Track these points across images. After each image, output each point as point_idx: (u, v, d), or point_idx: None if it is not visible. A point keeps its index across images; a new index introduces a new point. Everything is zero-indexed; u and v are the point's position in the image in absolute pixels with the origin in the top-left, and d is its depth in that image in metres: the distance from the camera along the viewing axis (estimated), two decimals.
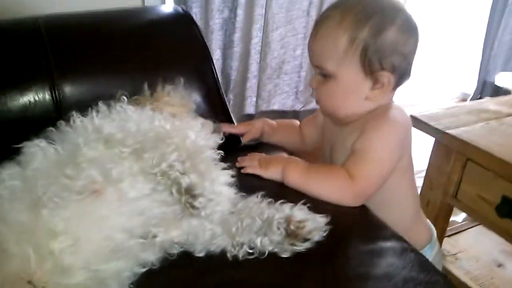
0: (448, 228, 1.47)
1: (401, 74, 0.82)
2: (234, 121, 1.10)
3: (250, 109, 2.22)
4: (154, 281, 0.63)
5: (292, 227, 0.67)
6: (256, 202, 0.72)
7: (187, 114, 0.92)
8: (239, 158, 0.89)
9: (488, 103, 1.41)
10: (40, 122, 0.71)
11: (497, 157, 1.07)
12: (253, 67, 2.12)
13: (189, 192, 0.65)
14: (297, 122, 1.10)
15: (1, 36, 0.89)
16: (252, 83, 2.15)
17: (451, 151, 1.22)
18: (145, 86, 0.89)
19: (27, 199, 0.61)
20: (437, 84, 2.90)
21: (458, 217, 1.57)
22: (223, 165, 0.71)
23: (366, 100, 0.82)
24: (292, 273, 0.64)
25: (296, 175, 0.81)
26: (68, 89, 0.87)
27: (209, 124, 0.90)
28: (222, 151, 0.75)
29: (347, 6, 0.79)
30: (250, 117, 2.23)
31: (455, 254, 1.40)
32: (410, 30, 0.80)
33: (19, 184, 0.62)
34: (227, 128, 0.99)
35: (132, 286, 0.62)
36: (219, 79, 2.00)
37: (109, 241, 0.63)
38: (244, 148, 0.97)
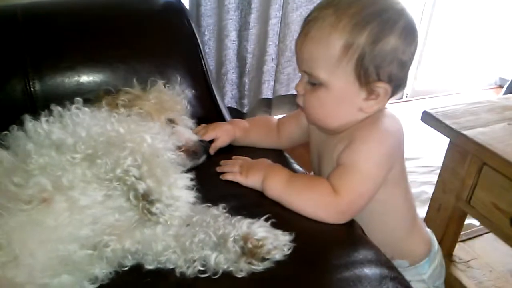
0: (463, 232, 1.37)
1: (398, 84, 0.74)
2: (227, 115, 1.04)
3: (267, 93, 2.14)
4: None
5: (249, 245, 0.61)
6: (214, 216, 0.66)
7: (178, 112, 0.87)
8: (221, 162, 0.83)
9: None
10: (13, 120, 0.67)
11: None
12: (271, 49, 2.02)
13: (146, 198, 0.61)
14: (274, 120, 1.01)
15: None
16: (269, 66, 2.06)
17: (467, 153, 1.12)
18: (135, 81, 0.85)
19: None
20: (474, 69, 2.71)
21: (475, 220, 1.46)
22: (182, 168, 0.66)
23: (359, 111, 0.75)
24: None
25: (276, 187, 0.75)
26: (44, 85, 0.83)
27: (197, 147, 0.86)
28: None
29: (343, 4, 0.69)
30: (267, 101, 2.15)
31: (468, 261, 1.30)
32: (411, 35, 0.72)
33: None
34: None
35: None
36: (235, 62, 1.97)
37: (56, 253, 0.59)
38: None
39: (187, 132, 0.88)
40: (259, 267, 0.61)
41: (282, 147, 0.98)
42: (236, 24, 1.90)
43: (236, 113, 2.09)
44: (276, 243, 0.63)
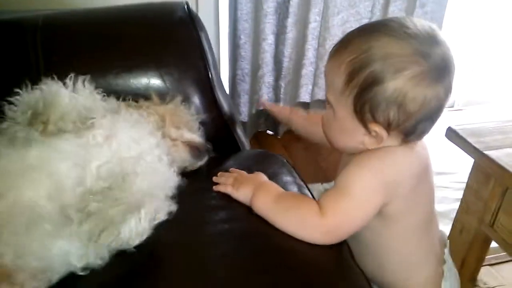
0: (492, 256, 1.30)
1: (406, 133, 0.71)
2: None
3: (305, 97, 2.13)
4: None
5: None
6: None
7: (187, 127, 0.91)
8: (219, 174, 0.85)
9: None
10: None
11: None
12: (310, 53, 2.01)
13: None
14: None
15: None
16: (308, 70, 2.05)
17: (490, 175, 1.05)
18: (153, 94, 0.92)
19: None
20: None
21: None
22: None
23: (361, 144, 0.74)
24: None
25: (263, 204, 0.75)
26: None
27: (201, 146, 0.89)
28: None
29: (365, 38, 0.69)
30: (304, 105, 2.14)
31: (494, 287, 1.23)
32: (427, 82, 0.66)
33: None
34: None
35: None
36: (272, 65, 1.98)
37: None
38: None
39: (194, 135, 0.91)
40: None
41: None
42: (273, 27, 1.91)
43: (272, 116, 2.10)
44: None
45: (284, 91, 2.03)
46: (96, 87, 0.86)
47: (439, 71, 0.67)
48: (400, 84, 0.66)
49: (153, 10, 1.01)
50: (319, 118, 0.99)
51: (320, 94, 2.15)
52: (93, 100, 0.78)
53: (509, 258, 1.32)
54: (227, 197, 0.79)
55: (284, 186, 0.82)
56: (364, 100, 0.68)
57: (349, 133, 0.74)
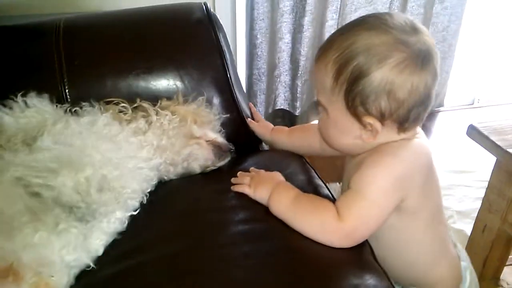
0: None
1: (400, 121, 0.72)
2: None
3: None
4: None
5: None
6: None
7: (209, 127, 0.92)
8: (238, 173, 0.85)
9: None
10: None
11: None
12: None
13: None
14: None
15: (22, 36, 0.94)
16: None
17: None
18: (179, 93, 0.92)
19: None
20: None
21: None
22: None
23: (359, 139, 0.74)
24: None
25: (281, 205, 0.75)
26: (78, 91, 0.90)
27: (224, 145, 0.91)
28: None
29: (346, 35, 0.71)
30: None
31: None
32: (411, 69, 0.68)
33: None
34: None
35: None
36: (288, 64, 1.98)
37: None
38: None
39: (217, 134, 0.93)
40: None
41: (325, 155, 0.97)
42: (290, 26, 1.90)
43: (289, 116, 2.10)
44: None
45: (301, 90, 2.03)
46: (117, 89, 0.88)
47: (422, 58, 0.69)
48: (385, 73, 0.67)
49: (172, 12, 1.02)
50: (301, 131, 1.01)
51: None
52: (39, 116, 0.80)
53: None
54: (246, 196, 0.80)
55: (302, 185, 0.82)
56: (354, 94, 0.69)
57: (346, 130, 0.75)
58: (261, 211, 0.76)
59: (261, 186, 0.78)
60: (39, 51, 0.93)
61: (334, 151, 0.94)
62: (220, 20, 1.05)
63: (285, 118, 2.12)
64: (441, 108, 2.31)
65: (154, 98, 0.91)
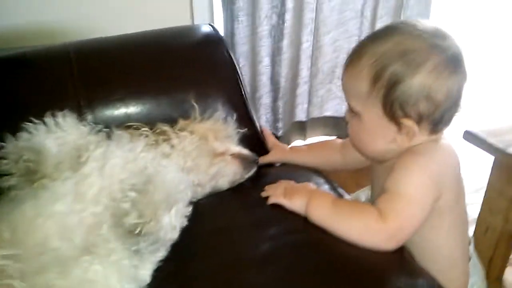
0: None
1: (435, 123, 0.74)
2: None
3: (301, 115, 2.15)
4: None
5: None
6: None
7: (230, 140, 0.91)
8: (266, 187, 0.84)
9: None
10: None
11: None
12: (304, 73, 2.04)
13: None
14: (337, 142, 1.03)
15: (33, 64, 0.91)
16: (302, 89, 2.08)
17: None
18: (196, 111, 0.90)
19: None
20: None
21: None
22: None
23: (393, 143, 0.76)
24: None
25: (321, 211, 0.74)
26: (95, 117, 0.88)
27: (250, 156, 0.90)
28: None
29: (379, 41, 0.73)
30: (301, 124, 2.16)
31: None
32: (447, 72, 0.71)
33: None
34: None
35: None
36: (269, 86, 2.00)
37: None
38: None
39: (240, 147, 0.92)
40: None
41: (347, 168, 0.99)
42: (269, 50, 1.94)
43: None
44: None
45: (282, 111, 2.05)
46: (136, 110, 0.85)
47: (455, 61, 0.72)
48: (423, 78, 0.70)
49: (180, 32, 1.02)
50: (321, 148, 1.03)
51: (315, 112, 2.18)
52: (80, 134, 0.77)
53: None
54: (278, 208, 0.78)
55: None
56: (393, 98, 0.71)
57: (381, 134, 0.76)
58: (299, 222, 0.75)
59: (296, 195, 0.78)
60: (54, 81, 0.90)
61: (357, 163, 0.96)
62: None
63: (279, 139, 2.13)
64: None
65: (171, 118, 0.89)
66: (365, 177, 0.97)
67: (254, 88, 1.98)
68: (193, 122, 0.89)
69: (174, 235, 0.69)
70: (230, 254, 0.72)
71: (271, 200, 0.79)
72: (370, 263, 0.69)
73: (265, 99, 2.03)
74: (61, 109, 0.77)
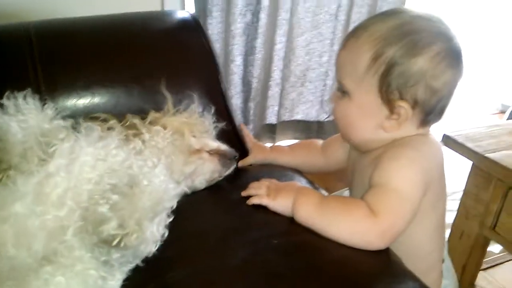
0: (484, 260, 1.31)
1: (427, 112, 0.71)
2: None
3: (271, 118, 2.11)
4: None
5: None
6: None
7: (207, 136, 0.83)
8: (249, 185, 0.78)
9: None
10: None
11: None
12: (276, 75, 2.00)
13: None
14: (317, 142, 0.98)
15: None
16: (274, 91, 2.04)
17: (491, 177, 1.08)
18: (170, 103, 0.83)
19: None
20: (474, 94, 2.72)
21: (494, 247, 1.41)
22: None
23: (380, 129, 0.72)
24: None
25: (308, 211, 0.69)
26: (57, 104, 0.78)
27: (229, 153, 0.84)
28: None
29: (387, 18, 0.70)
30: (271, 127, 2.12)
31: None
32: (448, 62, 0.69)
33: None
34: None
35: None
36: (240, 87, 1.95)
37: None
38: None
39: (218, 142, 0.85)
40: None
41: (329, 169, 0.95)
42: (242, 49, 1.88)
43: None
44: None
45: (253, 112, 2.00)
46: (103, 99, 0.78)
47: (457, 54, 0.71)
48: (425, 62, 0.67)
49: (155, 17, 0.94)
50: (303, 147, 0.98)
51: (286, 116, 2.14)
52: (44, 117, 0.67)
53: (498, 262, 1.35)
54: (261, 209, 0.72)
55: None
56: (391, 78, 0.68)
57: (369, 116, 0.73)
58: (285, 223, 0.70)
59: (281, 194, 0.72)
60: (12, 61, 0.80)
61: (339, 163, 0.92)
62: None
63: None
64: None
65: (142, 110, 0.81)
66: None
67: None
68: (166, 114, 0.81)
69: (153, 248, 0.61)
70: (208, 261, 0.65)
71: (253, 201, 0.73)
72: (356, 267, 0.65)
73: (236, 100, 1.97)
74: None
